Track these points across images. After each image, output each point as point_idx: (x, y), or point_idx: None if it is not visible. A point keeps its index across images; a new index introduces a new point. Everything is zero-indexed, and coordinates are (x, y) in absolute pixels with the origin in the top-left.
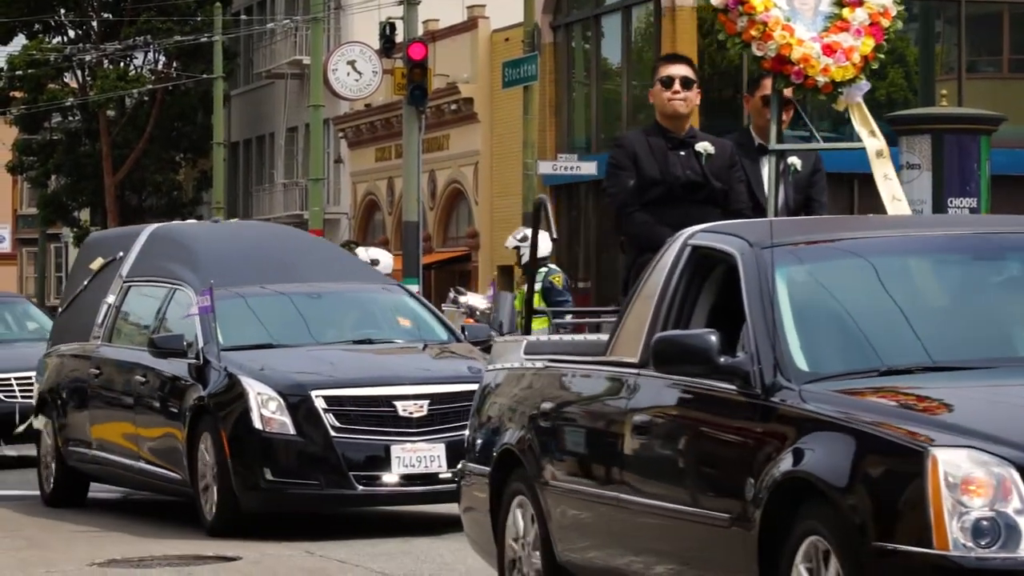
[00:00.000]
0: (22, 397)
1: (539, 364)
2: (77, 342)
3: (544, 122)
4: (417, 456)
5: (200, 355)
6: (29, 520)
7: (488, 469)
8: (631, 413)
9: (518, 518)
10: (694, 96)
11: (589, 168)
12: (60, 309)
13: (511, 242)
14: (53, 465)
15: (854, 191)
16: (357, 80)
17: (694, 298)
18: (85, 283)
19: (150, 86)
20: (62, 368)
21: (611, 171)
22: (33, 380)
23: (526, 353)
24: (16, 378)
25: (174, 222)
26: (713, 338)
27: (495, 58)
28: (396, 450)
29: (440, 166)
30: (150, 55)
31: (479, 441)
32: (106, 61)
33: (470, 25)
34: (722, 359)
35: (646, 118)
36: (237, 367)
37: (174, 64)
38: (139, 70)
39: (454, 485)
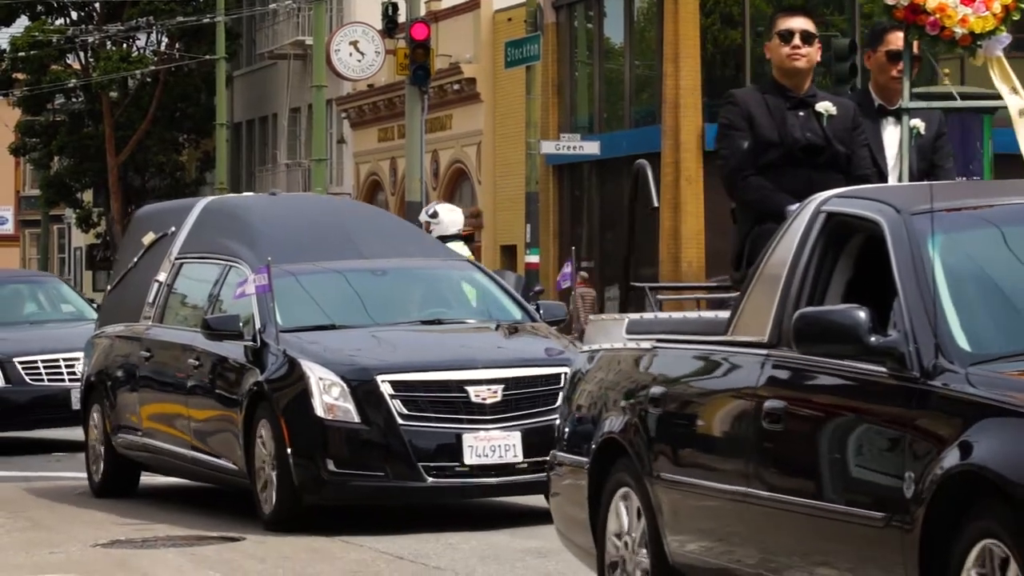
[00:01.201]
0: (70, 379)
1: (646, 345)
2: (126, 323)
3: (547, 102)
4: (491, 445)
5: (257, 337)
6: (34, 501)
7: (586, 460)
8: (761, 398)
9: (622, 513)
10: (815, 52)
11: (592, 148)
12: (109, 288)
13: (422, 217)
14: (102, 453)
15: None
16: (360, 60)
17: (829, 271)
18: (135, 260)
19: (153, 67)
20: (111, 350)
21: (723, 132)
22: (80, 362)
23: (629, 333)
24: (64, 359)
25: (229, 195)
26: (862, 314)
27: (497, 38)
28: (468, 439)
29: (443, 146)
30: (153, 36)
31: (572, 429)
32: (109, 42)
33: (472, 5)
34: (873, 338)
35: (649, 98)
36: (297, 350)
37: (176, 45)
38: (142, 51)
39: (531, 476)
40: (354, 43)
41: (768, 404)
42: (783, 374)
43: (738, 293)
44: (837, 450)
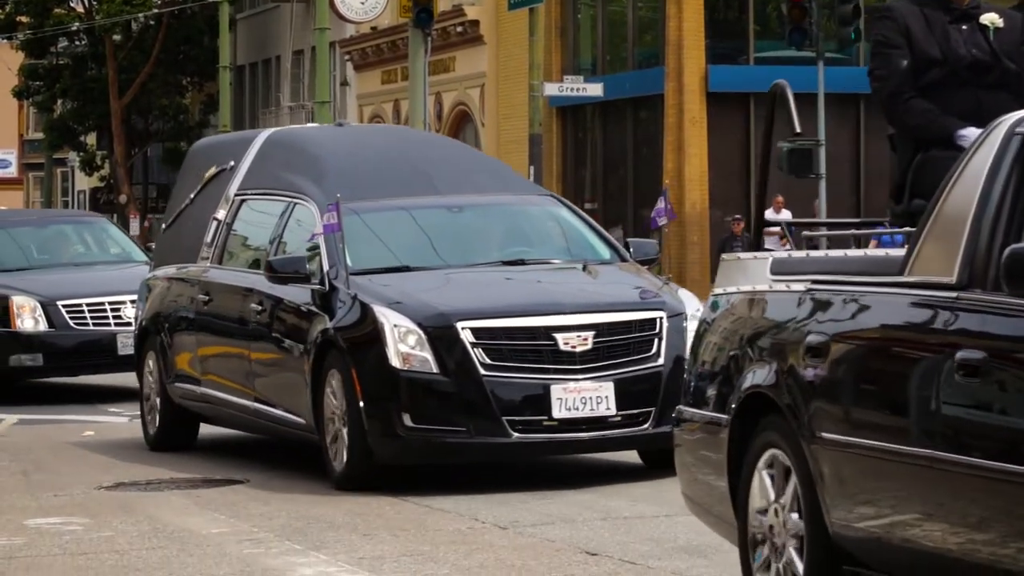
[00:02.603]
0: (116, 324)
1: (797, 287)
2: (183, 264)
3: (550, 44)
4: (581, 397)
5: (325, 280)
6: (39, 443)
7: (724, 417)
8: (951, 348)
9: (767, 479)
10: None
11: (595, 89)
12: (164, 226)
13: None
14: (158, 404)
15: (859, 113)
16: (363, 3)
17: None
18: (191, 196)
19: (156, 10)
20: (166, 294)
21: (878, 50)
22: (128, 305)
23: (775, 273)
24: (110, 303)
25: (293, 126)
26: None
27: None
28: (556, 390)
29: (446, 88)
30: None
31: (702, 382)
32: None
33: None
34: None
35: (652, 39)
36: (369, 294)
37: None
38: None
39: (625, 430)
40: None
41: (962, 354)
42: (979, 320)
43: (901, 228)
44: None
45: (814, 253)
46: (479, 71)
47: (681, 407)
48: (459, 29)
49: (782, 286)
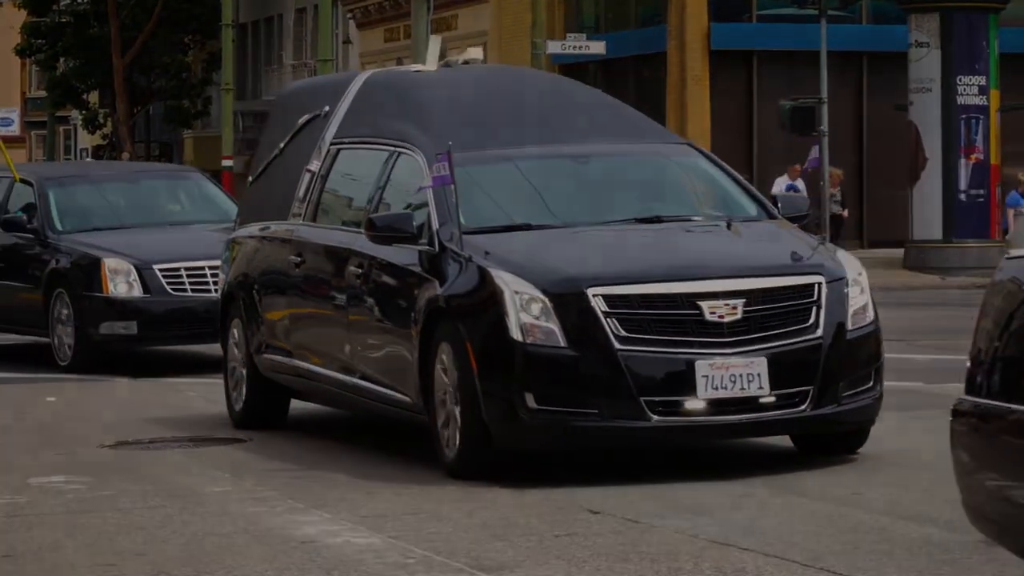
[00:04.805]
0: (216, 289)
1: None
2: (272, 221)
3: (552, 1)
4: (730, 375)
5: (435, 240)
6: (44, 401)
7: None
8: None
9: None
10: None
11: (598, 47)
12: (250, 179)
13: None
14: (244, 376)
15: (863, 71)
16: None
17: None
18: (281, 146)
19: None
20: (254, 255)
21: None
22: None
23: None
24: (210, 267)
25: (394, 67)
26: None
27: None
28: (702, 366)
29: (449, 46)
30: None
31: (999, 366)
32: None
33: None
34: None
35: None
36: (486, 256)
37: None
38: None
39: (780, 412)
40: None
41: None
42: None
43: None
44: None
45: None
46: (482, 29)
47: (963, 396)
48: None
49: None
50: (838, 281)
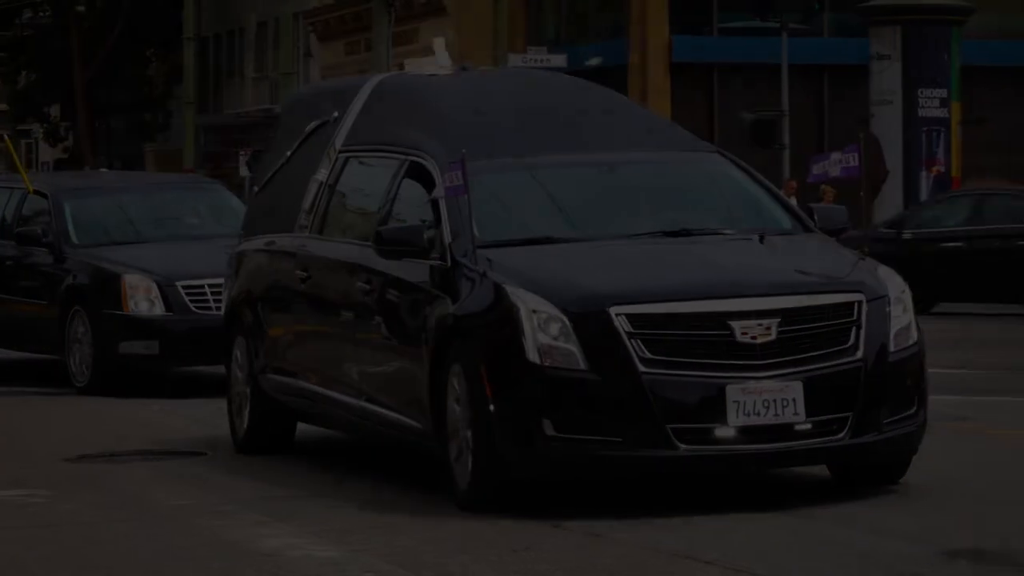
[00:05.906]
0: (217, 308)
1: None
2: (278, 234)
3: (513, 14)
4: (763, 400)
5: (447, 254)
6: (16, 412)
7: None
8: None
9: None
10: None
11: (559, 60)
12: (255, 189)
13: None
14: (248, 397)
15: (823, 84)
16: None
17: None
18: (288, 154)
19: None
20: (258, 269)
21: None
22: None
23: None
24: (210, 285)
25: (407, 72)
26: None
27: None
28: (733, 391)
29: (410, 59)
30: None
31: None
32: None
33: None
34: None
35: (615, 10)
36: (501, 272)
37: None
38: None
39: (817, 440)
40: None
41: None
42: None
43: None
44: None
45: None
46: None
47: None
48: (423, 0)
49: None
50: (880, 299)
